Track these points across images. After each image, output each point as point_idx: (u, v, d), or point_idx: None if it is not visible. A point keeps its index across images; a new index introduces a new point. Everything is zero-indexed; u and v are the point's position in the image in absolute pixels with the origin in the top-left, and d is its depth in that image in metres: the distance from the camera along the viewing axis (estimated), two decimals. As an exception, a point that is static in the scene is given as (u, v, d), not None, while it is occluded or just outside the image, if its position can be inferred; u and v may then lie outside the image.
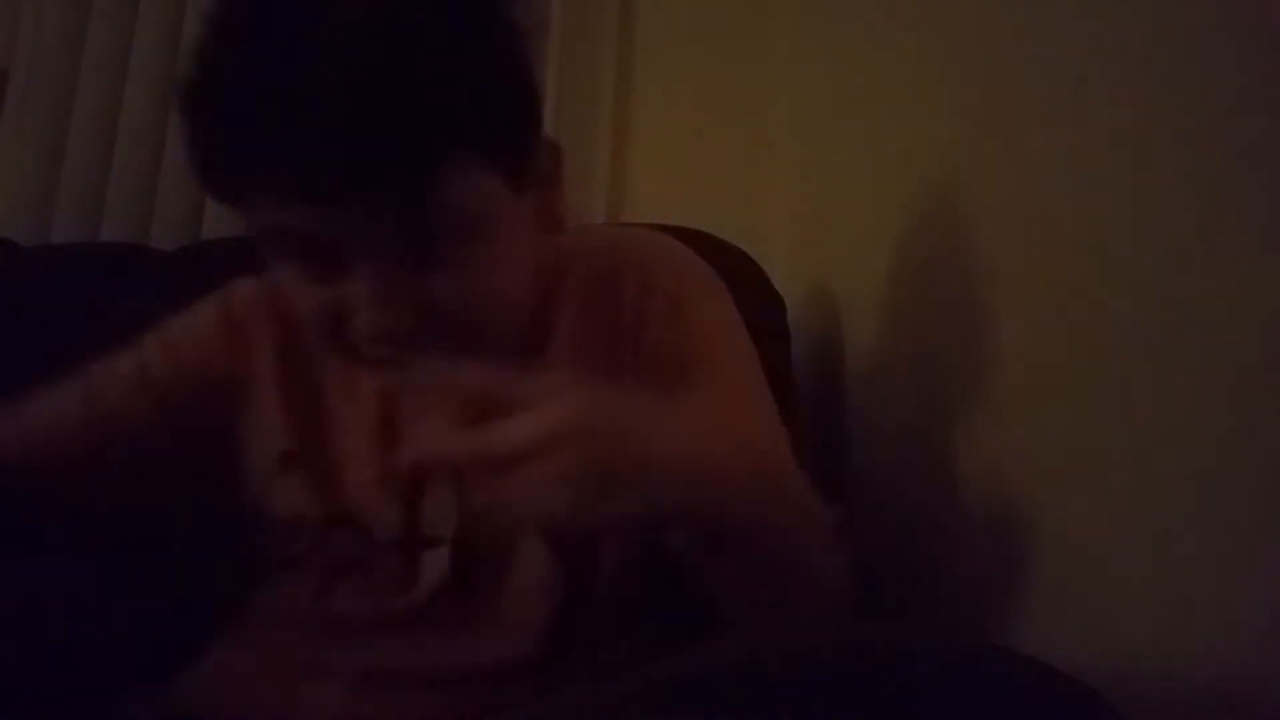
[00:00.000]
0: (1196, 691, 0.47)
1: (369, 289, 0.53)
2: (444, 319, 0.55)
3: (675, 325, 0.67)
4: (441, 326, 0.55)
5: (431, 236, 0.53)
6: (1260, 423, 0.44)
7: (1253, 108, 0.46)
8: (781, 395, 0.94)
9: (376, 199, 0.51)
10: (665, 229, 1.05)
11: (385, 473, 0.65)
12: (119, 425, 0.66)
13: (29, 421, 0.66)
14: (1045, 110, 0.65)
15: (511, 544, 0.64)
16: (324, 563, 0.66)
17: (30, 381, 0.91)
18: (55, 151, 1.44)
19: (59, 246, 1.30)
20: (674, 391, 0.64)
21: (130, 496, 0.68)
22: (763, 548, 0.55)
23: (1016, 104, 0.69)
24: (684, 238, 1.04)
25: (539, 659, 0.62)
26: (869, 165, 1.00)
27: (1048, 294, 0.64)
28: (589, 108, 1.39)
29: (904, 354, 0.88)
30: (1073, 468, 0.60)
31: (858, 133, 1.05)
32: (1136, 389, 0.53)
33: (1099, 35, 0.59)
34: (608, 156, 1.38)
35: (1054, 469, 0.62)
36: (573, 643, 0.63)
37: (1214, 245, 0.48)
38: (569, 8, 1.41)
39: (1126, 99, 0.56)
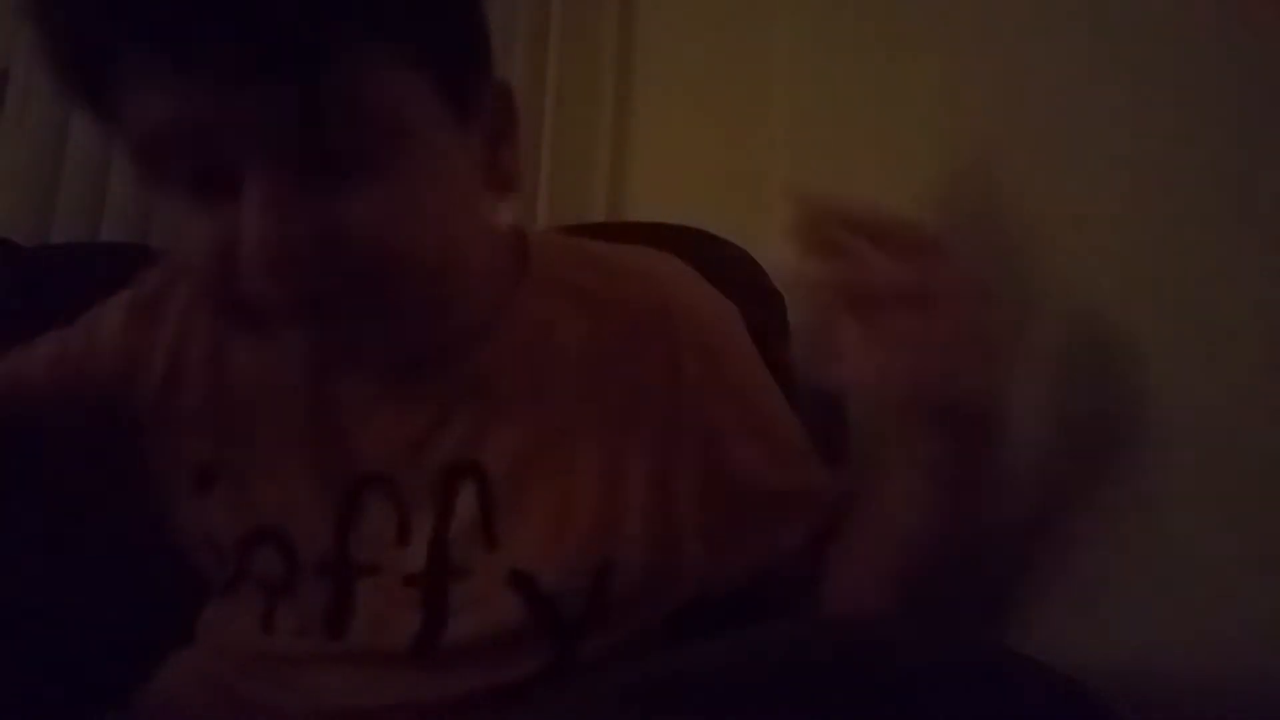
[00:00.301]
0: (1196, 692, 0.47)
1: (257, 201, 0.42)
2: (349, 256, 0.44)
3: (718, 381, 0.61)
4: (345, 266, 0.45)
5: (340, 139, 0.43)
6: (1260, 423, 0.44)
7: (1260, 105, 0.46)
8: (782, 394, 0.94)
9: (275, 75, 0.41)
10: (665, 228, 1.05)
11: (319, 482, 0.57)
12: (27, 396, 0.60)
13: None
14: (1046, 110, 0.65)
15: None
16: (256, 586, 0.58)
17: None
18: (55, 151, 1.44)
19: (59, 246, 1.30)
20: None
21: (38, 475, 0.61)
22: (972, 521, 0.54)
23: (1017, 103, 0.69)
24: (684, 237, 1.04)
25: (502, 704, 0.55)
26: (869, 165, 1.00)
27: (1048, 293, 0.63)
28: (589, 108, 1.39)
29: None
30: (1076, 469, 0.59)
31: (857, 133, 1.05)
32: (1136, 388, 0.53)
33: (1102, 33, 0.59)
34: (608, 156, 1.38)
35: (1056, 470, 0.62)
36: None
37: (1219, 244, 0.48)
38: (569, 8, 1.41)
39: (1130, 97, 0.56)
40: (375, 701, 0.54)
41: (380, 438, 0.58)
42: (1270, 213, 0.44)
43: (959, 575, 0.74)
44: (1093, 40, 0.60)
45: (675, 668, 0.38)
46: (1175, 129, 0.51)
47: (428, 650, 0.54)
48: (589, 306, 0.60)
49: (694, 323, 0.61)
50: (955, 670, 0.36)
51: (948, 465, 0.51)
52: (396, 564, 0.56)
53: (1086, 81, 0.60)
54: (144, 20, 0.41)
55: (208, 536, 0.59)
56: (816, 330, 0.47)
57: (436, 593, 0.55)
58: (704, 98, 1.40)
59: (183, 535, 0.61)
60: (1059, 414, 0.62)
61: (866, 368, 0.43)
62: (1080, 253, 0.60)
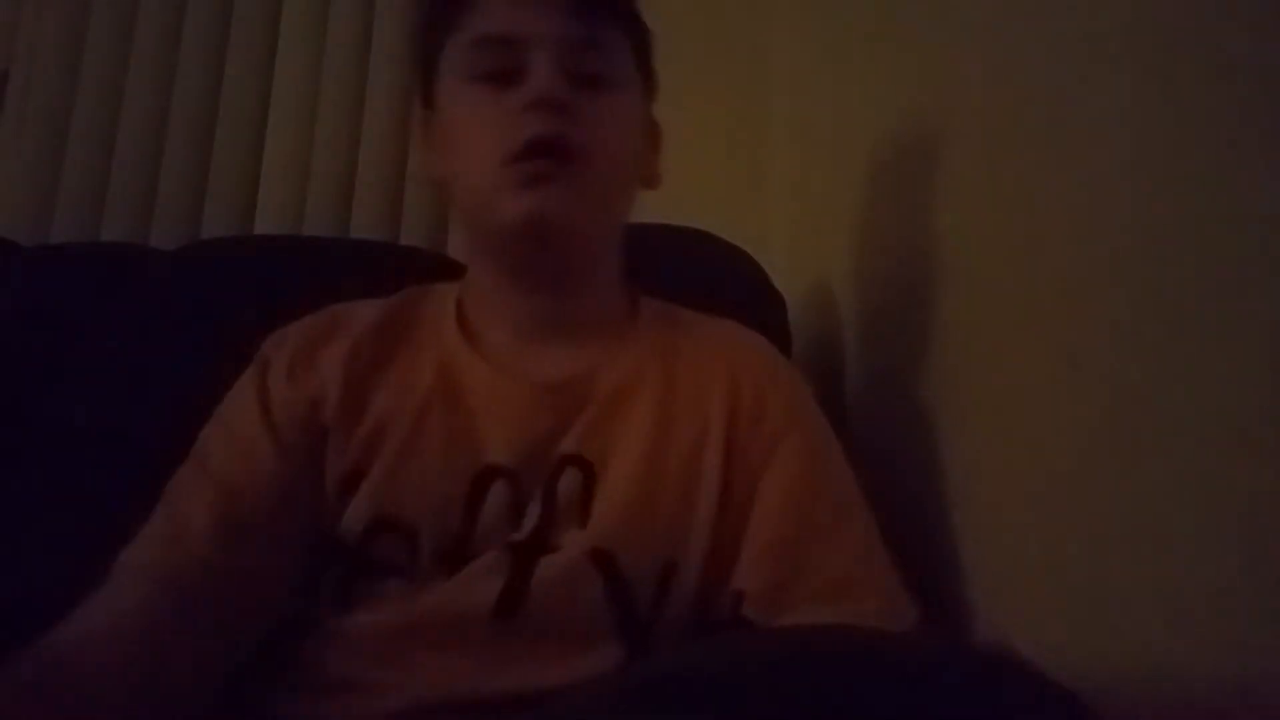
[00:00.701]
0: (1196, 692, 0.47)
1: (545, 70, 0.65)
2: (578, 126, 0.65)
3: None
4: (574, 134, 0.65)
5: (593, 64, 0.68)
6: (1260, 422, 0.44)
7: (1255, 104, 0.46)
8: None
9: (577, 15, 0.67)
10: (665, 228, 1.05)
11: (448, 474, 0.64)
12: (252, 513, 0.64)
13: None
14: (1046, 111, 0.65)
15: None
16: (375, 574, 0.63)
17: (30, 381, 0.91)
18: (55, 151, 1.44)
19: (59, 246, 1.30)
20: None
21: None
22: None
23: (1017, 104, 0.69)
24: (684, 237, 1.05)
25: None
26: (869, 164, 1.00)
27: (1048, 293, 0.64)
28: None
29: (904, 353, 0.88)
30: (1073, 467, 0.60)
31: (858, 133, 1.05)
32: (1136, 388, 0.53)
33: (1099, 35, 0.59)
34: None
35: (1054, 468, 0.62)
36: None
37: (1215, 245, 0.48)
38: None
39: (1129, 98, 0.56)
40: (462, 682, 0.59)
41: (509, 433, 0.66)
42: (1270, 212, 0.44)
43: (958, 576, 0.74)
44: (1092, 41, 0.60)
45: (674, 666, 0.38)
46: (1175, 128, 0.51)
47: (512, 609, 0.60)
48: (675, 357, 0.72)
49: (751, 368, 0.72)
50: (950, 671, 0.37)
51: None
52: (501, 540, 0.63)
53: (1086, 82, 0.60)
54: None
55: (341, 535, 0.64)
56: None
57: (526, 559, 0.62)
58: (703, 99, 1.40)
59: (319, 536, 0.65)
60: (1058, 412, 0.62)
61: None
62: (1079, 251, 0.60)
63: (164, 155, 1.42)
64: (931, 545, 0.79)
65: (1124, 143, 0.56)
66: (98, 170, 1.43)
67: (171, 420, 0.71)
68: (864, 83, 1.05)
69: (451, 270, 0.77)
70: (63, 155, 1.44)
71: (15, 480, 0.89)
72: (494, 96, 0.66)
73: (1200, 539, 0.48)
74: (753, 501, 0.66)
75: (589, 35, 0.68)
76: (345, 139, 1.40)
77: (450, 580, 0.61)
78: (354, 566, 0.63)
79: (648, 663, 0.39)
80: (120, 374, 0.91)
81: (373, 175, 1.43)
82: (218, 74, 1.44)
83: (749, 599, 0.63)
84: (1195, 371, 0.49)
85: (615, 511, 0.64)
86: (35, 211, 1.42)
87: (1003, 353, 0.70)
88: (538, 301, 0.71)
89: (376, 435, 0.66)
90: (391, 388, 0.68)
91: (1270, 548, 0.43)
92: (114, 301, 0.78)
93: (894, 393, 0.91)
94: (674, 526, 0.64)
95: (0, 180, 1.44)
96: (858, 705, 0.34)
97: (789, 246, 1.25)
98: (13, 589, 0.77)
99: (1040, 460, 0.64)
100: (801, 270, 1.16)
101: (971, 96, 0.77)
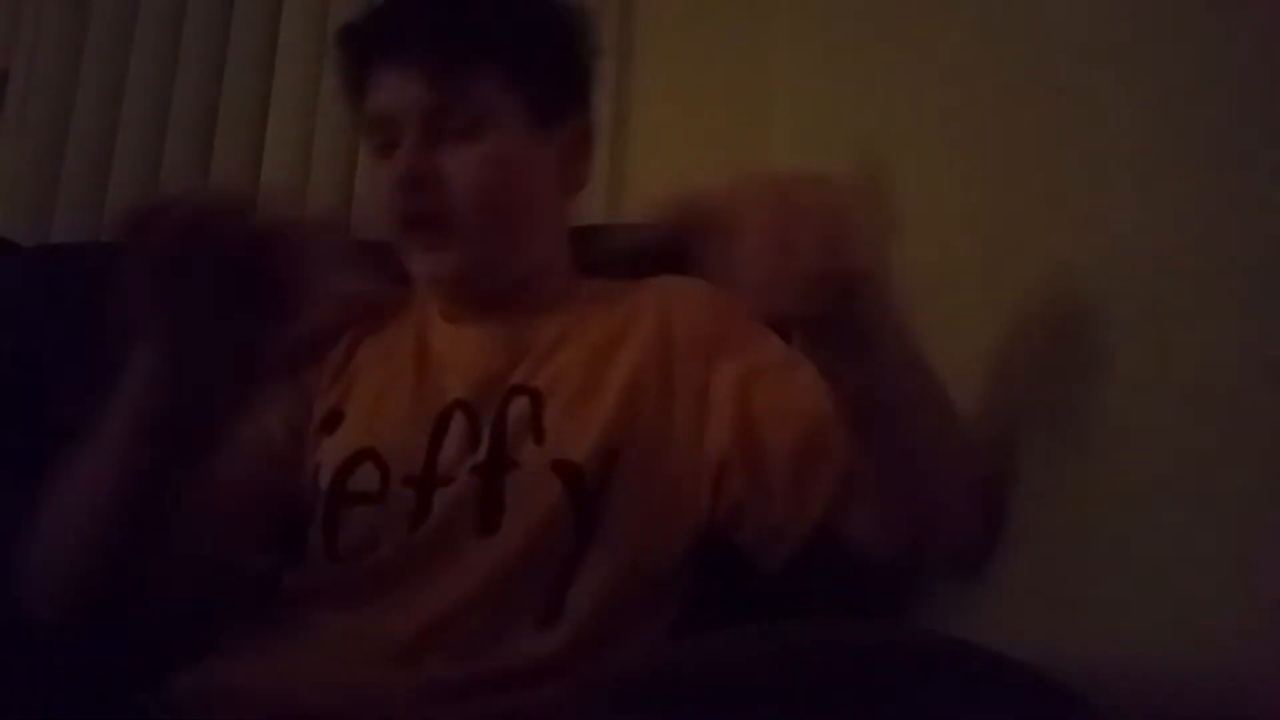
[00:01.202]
0: (1195, 692, 0.47)
1: (403, 151, 0.72)
2: (447, 189, 0.72)
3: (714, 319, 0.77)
4: (445, 196, 0.72)
5: (452, 122, 0.72)
6: (1260, 422, 0.44)
7: (1257, 106, 0.46)
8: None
9: (429, 90, 0.72)
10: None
11: (416, 410, 0.74)
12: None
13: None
14: (1046, 110, 0.65)
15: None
16: (350, 502, 0.71)
17: (29, 380, 0.91)
18: (55, 151, 1.44)
19: (59, 246, 1.30)
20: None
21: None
22: (914, 421, 0.60)
23: (1018, 104, 0.69)
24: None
25: (552, 609, 0.67)
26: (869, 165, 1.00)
27: (1048, 293, 0.64)
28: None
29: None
30: (1072, 466, 0.60)
31: (857, 133, 1.05)
32: (1136, 388, 0.53)
33: (1102, 36, 0.59)
34: (607, 156, 1.38)
35: (1053, 469, 0.62)
36: (587, 597, 0.67)
37: (1217, 246, 0.48)
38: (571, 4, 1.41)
39: (1130, 99, 0.56)
40: (457, 592, 0.66)
41: (467, 374, 0.76)
42: (1270, 212, 0.44)
43: (948, 577, 0.75)
44: (1092, 39, 0.60)
45: (672, 664, 0.38)
46: (1175, 129, 0.51)
47: (490, 527, 0.68)
48: (613, 306, 0.80)
49: (683, 299, 0.79)
50: (943, 668, 0.37)
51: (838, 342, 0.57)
52: (462, 466, 0.71)
53: (1086, 81, 0.60)
54: (383, 53, 0.75)
55: (319, 467, 0.74)
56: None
57: (494, 479, 0.70)
58: (704, 96, 1.40)
59: (301, 474, 0.75)
60: (1056, 410, 0.62)
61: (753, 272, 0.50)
62: (1080, 251, 0.60)
63: (164, 155, 1.42)
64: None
65: (1124, 142, 0.56)
66: (98, 170, 1.42)
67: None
68: (864, 84, 1.05)
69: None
70: (63, 155, 1.43)
71: (15, 480, 0.89)
72: (382, 168, 0.75)
73: (1200, 538, 0.48)
74: (705, 401, 0.74)
75: (449, 98, 0.73)
76: (345, 139, 1.40)
77: (432, 513, 0.69)
78: (331, 500, 0.71)
79: (648, 662, 0.39)
80: (119, 374, 0.91)
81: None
82: (218, 74, 1.44)
83: (726, 468, 0.71)
84: (1195, 370, 0.49)
85: (566, 424, 0.72)
86: (35, 211, 1.42)
87: (1002, 352, 0.70)
88: (481, 307, 0.79)
89: (357, 379, 0.78)
90: (379, 351, 0.79)
91: (1270, 547, 0.43)
92: (114, 301, 0.78)
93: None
94: (616, 426, 0.72)
95: (0, 180, 1.44)
96: (856, 704, 0.34)
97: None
98: (14, 588, 0.77)
99: (1036, 457, 0.64)
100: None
101: (971, 97, 0.77)
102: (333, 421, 0.76)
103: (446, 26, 0.74)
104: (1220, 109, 0.48)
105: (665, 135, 1.41)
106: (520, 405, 0.73)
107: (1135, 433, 0.53)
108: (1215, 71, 0.48)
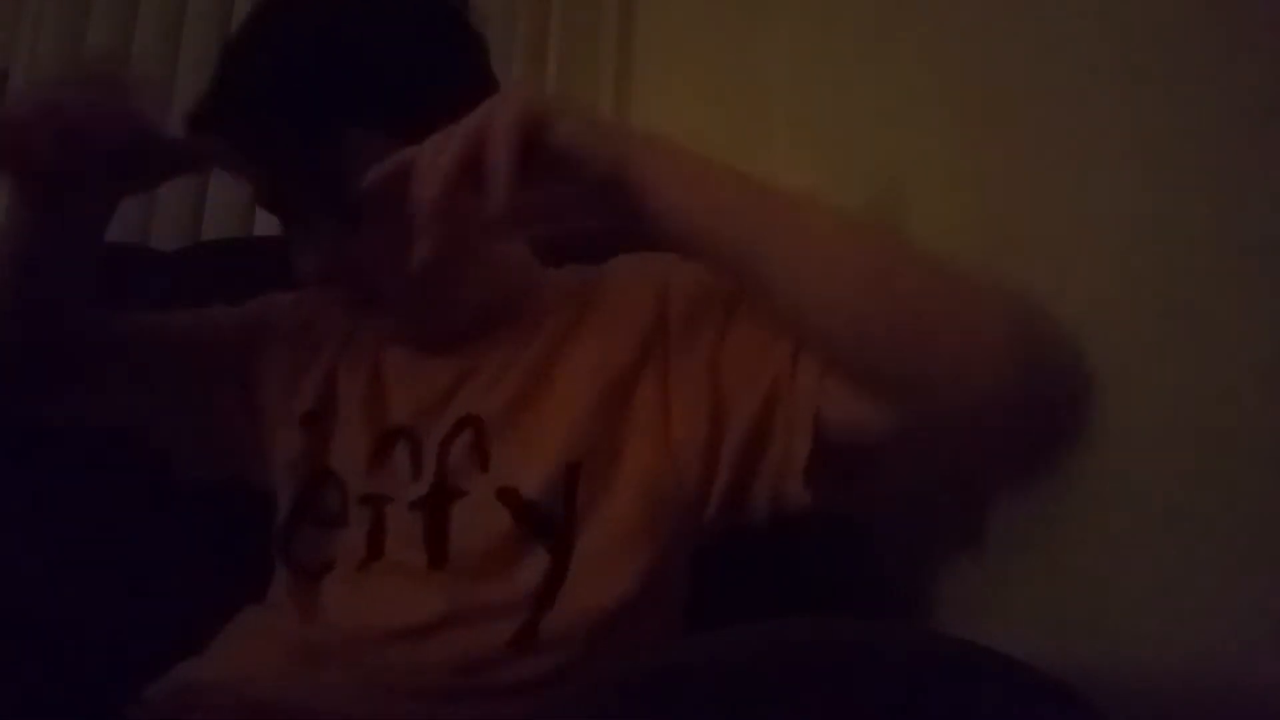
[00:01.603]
0: (1196, 692, 0.47)
1: (297, 244, 0.68)
2: (364, 273, 0.67)
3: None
4: (364, 280, 0.67)
5: (343, 199, 0.63)
6: (1260, 422, 0.44)
7: (1260, 107, 0.46)
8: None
9: (287, 166, 0.64)
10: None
11: (366, 432, 0.73)
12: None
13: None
14: (1046, 111, 0.65)
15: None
16: (316, 522, 0.72)
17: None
18: (55, 151, 1.43)
19: (59, 246, 1.30)
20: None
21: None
22: (793, 245, 0.57)
23: (1018, 104, 0.69)
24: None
25: (527, 637, 0.63)
26: (869, 166, 1.00)
27: (1048, 294, 0.64)
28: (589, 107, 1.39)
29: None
30: (1072, 464, 0.60)
31: (857, 133, 1.05)
32: (1136, 388, 0.53)
33: (1101, 36, 0.59)
34: (607, 156, 1.38)
35: (1053, 466, 0.62)
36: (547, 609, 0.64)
37: (1219, 245, 0.48)
38: (569, 8, 1.41)
39: (1128, 99, 0.56)
40: (417, 617, 0.64)
41: (412, 397, 0.73)
42: (1269, 212, 0.44)
43: (958, 575, 0.74)
44: (1091, 40, 0.60)
45: (674, 663, 0.38)
46: (1174, 129, 0.51)
47: (440, 561, 0.66)
48: (572, 300, 0.75)
49: (670, 272, 0.73)
50: (942, 668, 0.37)
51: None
52: (407, 495, 0.69)
53: (1085, 81, 0.60)
54: (233, 139, 0.65)
55: (291, 464, 0.74)
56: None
57: (438, 510, 0.67)
58: (704, 97, 1.40)
59: (272, 465, 0.76)
60: (1056, 410, 0.62)
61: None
62: (1079, 251, 0.60)
63: (164, 155, 1.42)
64: (929, 540, 0.79)
65: (1123, 142, 0.56)
66: (98, 170, 1.42)
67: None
68: (864, 85, 1.05)
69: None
70: (63, 155, 1.43)
71: (15, 480, 0.89)
72: (290, 238, 0.69)
73: (1198, 537, 0.48)
74: (663, 390, 0.69)
75: (317, 172, 0.64)
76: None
77: (387, 539, 0.68)
78: (292, 518, 0.72)
79: (650, 660, 0.39)
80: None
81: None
82: (218, 74, 1.44)
83: (681, 447, 0.67)
84: (1195, 368, 0.49)
85: (512, 448, 0.69)
86: (35, 211, 1.41)
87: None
88: (433, 337, 0.76)
89: (329, 394, 0.76)
90: (345, 365, 0.77)
91: (1270, 546, 0.43)
92: (114, 301, 0.78)
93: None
94: (572, 438, 0.67)
95: (1, 180, 1.44)
96: (856, 703, 0.34)
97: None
98: (13, 588, 0.78)
99: (1039, 458, 0.64)
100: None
101: (971, 98, 0.77)
102: (309, 423, 0.75)
103: (277, 103, 0.63)
104: (1220, 109, 0.48)
105: (665, 135, 1.41)
106: (466, 437, 0.70)
107: (1137, 435, 0.53)
108: (1215, 72, 0.48)
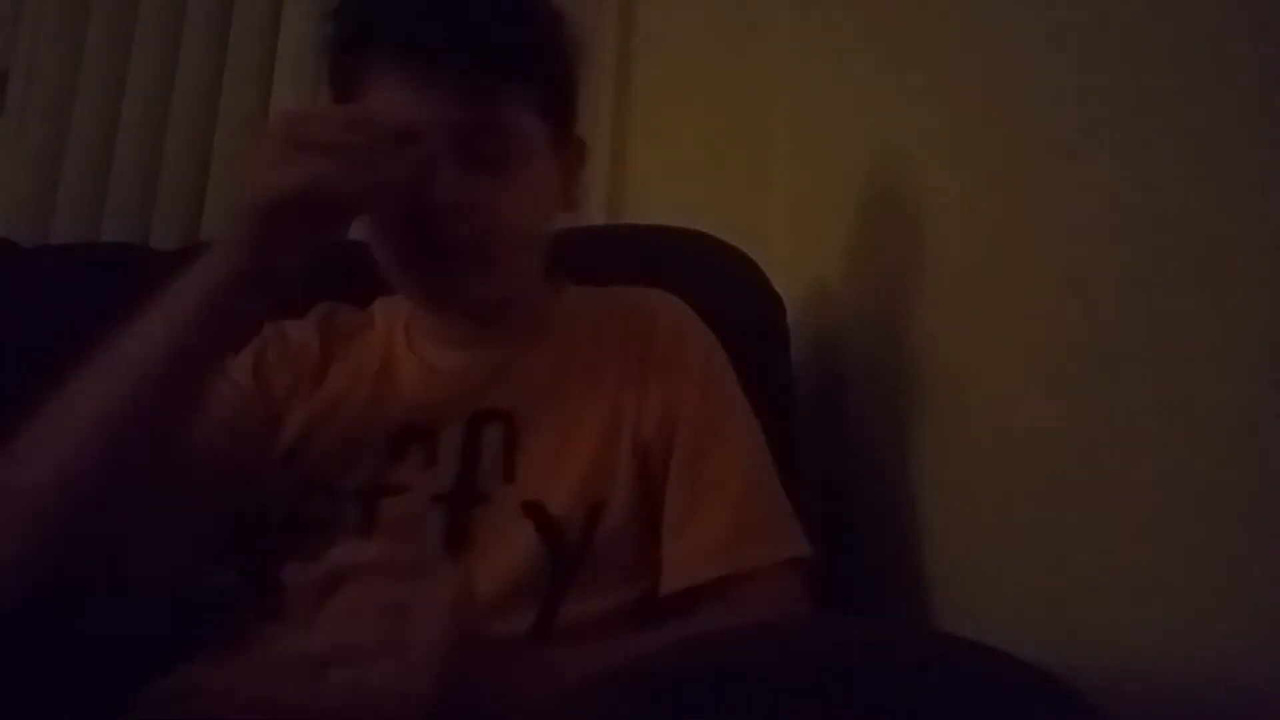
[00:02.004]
0: (1196, 692, 0.47)
1: (443, 164, 0.66)
2: (487, 220, 0.67)
3: (677, 346, 0.75)
4: (483, 226, 0.67)
5: (493, 149, 0.67)
6: (1259, 421, 0.44)
7: (1256, 106, 0.46)
8: (781, 396, 0.94)
9: (469, 101, 0.66)
10: (665, 229, 1.05)
11: (370, 434, 0.71)
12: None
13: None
14: (1045, 111, 0.65)
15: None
16: (308, 527, 0.68)
17: (30, 380, 0.90)
18: (55, 151, 1.44)
19: (59, 246, 1.30)
20: (693, 465, 0.70)
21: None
22: None
23: (1017, 105, 0.69)
24: (684, 238, 1.05)
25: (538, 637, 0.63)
26: (869, 166, 1.00)
27: (1047, 294, 0.64)
28: (589, 108, 1.39)
29: (903, 354, 0.88)
30: (1074, 468, 0.60)
31: (857, 133, 1.05)
32: (1136, 388, 0.53)
33: (1097, 37, 0.59)
34: (608, 156, 1.38)
35: (1055, 469, 0.62)
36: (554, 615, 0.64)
37: (1215, 243, 0.48)
38: (569, 8, 1.41)
39: (1125, 100, 0.56)
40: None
41: (431, 398, 0.72)
42: (1268, 210, 0.44)
43: (957, 574, 0.75)
44: (1091, 45, 0.60)
45: (676, 662, 0.38)
46: (1174, 132, 0.51)
47: (456, 561, 0.63)
48: (597, 317, 0.78)
49: (667, 320, 0.77)
50: (944, 667, 0.37)
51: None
52: (425, 485, 0.68)
53: (1084, 82, 0.60)
54: (403, 54, 0.67)
55: (276, 499, 0.70)
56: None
57: (460, 513, 0.67)
58: (704, 98, 1.40)
59: (258, 506, 0.70)
60: (1057, 410, 0.62)
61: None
62: (1078, 252, 0.60)
63: (164, 155, 1.42)
64: (929, 540, 0.79)
65: (1122, 145, 0.56)
66: (98, 170, 1.42)
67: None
68: (864, 85, 1.06)
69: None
70: (63, 155, 1.43)
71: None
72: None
73: (1197, 536, 0.48)
74: (667, 454, 0.71)
75: (488, 120, 0.67)
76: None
77: (383, 534, 0.65)
78: (284, 527, 0.68)
79: (653, 659, 0.39)
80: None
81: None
82: (218, 74, 1.44)
83: (664, 564, 0.68)
84: (1191, 368, 0.49)
85: (540, 463, 0.69)
86: (35, 211, 1.42)
87: (1002, 351, 0.70)
88: (458, 328, 0.77)
89: (323, 413, 0.73)
90: (343, 378, 0.76)
91: (1267, 545, 0.43)
92: (114, 301, 0.78)
93: (893, 392, 0.91)
94: (598, 471, 0.69)
95: (0, 180, 1.44)
96: (857, 702, 0.34)
97: (789, 247, 1.25)
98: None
99: (1040, 457, 0.64)
100: (801, 270, 1.16)
101: (971, 98, 0.77)
102: (292, 457, 0.72)
103: (483, 38, 0.67)
104: (1220, 109, 0.48)
105: (665, 136, 1.41)
106: (494, 431, 0.70)
107: (1136, 433, 0.54)
108: (1216, 72, 0.48)
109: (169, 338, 0.61)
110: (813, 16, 1.27)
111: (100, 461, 0.58)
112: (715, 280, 0.97)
